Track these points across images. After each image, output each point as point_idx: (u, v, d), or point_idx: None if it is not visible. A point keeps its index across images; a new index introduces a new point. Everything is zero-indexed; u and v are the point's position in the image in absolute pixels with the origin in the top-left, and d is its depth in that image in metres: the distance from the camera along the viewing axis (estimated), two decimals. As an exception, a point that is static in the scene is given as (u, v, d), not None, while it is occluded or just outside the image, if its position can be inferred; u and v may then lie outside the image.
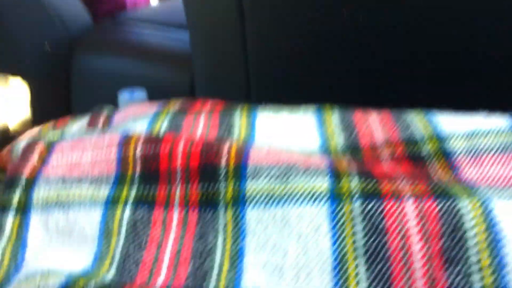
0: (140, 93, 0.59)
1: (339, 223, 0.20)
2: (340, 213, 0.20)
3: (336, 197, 0.21)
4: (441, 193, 0.20)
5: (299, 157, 0.23)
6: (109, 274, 0.21)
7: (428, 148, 0.24)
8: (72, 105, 0.78)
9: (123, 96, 0.58)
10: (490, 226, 0.18)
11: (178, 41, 0.70)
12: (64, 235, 0.24)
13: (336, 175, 0.22)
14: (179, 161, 0.24)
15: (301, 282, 0.19)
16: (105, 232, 0.23)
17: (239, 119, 0.29)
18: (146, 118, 0.30)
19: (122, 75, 0.69)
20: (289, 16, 0.41)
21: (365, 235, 0.20)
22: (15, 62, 0.77)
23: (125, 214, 0.23)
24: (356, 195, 0.21)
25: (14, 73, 0.74)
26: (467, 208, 0.19)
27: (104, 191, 0.25)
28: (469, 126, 0.24)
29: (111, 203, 0.24)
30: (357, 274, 0.19)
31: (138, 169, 0.24)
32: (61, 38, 0.78)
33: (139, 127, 0.29)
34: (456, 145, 0.24)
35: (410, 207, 0.20)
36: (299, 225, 0.20)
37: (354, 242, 0.20)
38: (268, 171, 0.22)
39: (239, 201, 0.22)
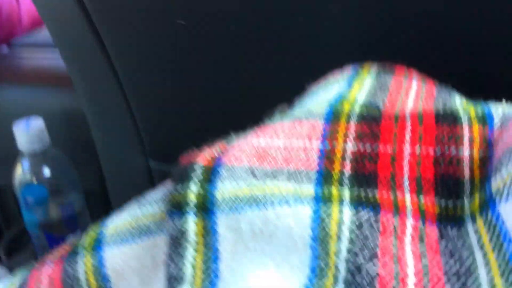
0: (37, 122, 0.57)
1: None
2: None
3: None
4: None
5: None
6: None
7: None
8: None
9: (18, 126, 0.55)
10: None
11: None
12: (263, 242, 0.18)
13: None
14: (406, 168, 0.19)
15: None
16: (321, 235, 0.17)
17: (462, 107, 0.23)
18: (341, 81, 0.25)
19: (18, 104, 0.65)
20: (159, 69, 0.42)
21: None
22: None
23: (344, 214, 0.18)
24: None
25: None
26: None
27: (308, 188, 0.19)
28: None
29: (323, 200, 0.18)
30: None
31: (348, 168, 0.20)
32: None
33: (334, 91, 0.24)
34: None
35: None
36: None
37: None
38: None
39: (487, 212, 0.17)
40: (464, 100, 0.23)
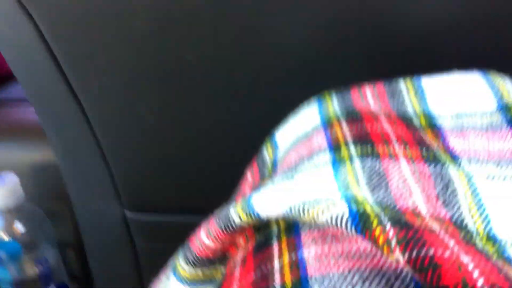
0: (11, 177, 0.56)
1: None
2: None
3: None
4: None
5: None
6: (368, 198, 0.20)
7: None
8: None
9: (-8, 182, 0.55)
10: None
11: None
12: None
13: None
14: (391, 134, 0.25)
15: None
16: (342, 178, 0.22)
17: (405, 88, 0.30)
18: (312, 105, 0.31)
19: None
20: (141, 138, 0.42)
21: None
22: None
23: (355, 164, 0.23)
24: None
25: None
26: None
27: (325, 156, 0.25)
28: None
29: (338, 160, 0.24)
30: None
31: (349, 138, 0.25)
32: None
33: (314, 110, 0.30)
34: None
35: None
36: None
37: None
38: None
39: (455, 160, 0.23)
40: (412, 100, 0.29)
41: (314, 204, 0.19)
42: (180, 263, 0.25)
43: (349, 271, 0.18)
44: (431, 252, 0.16)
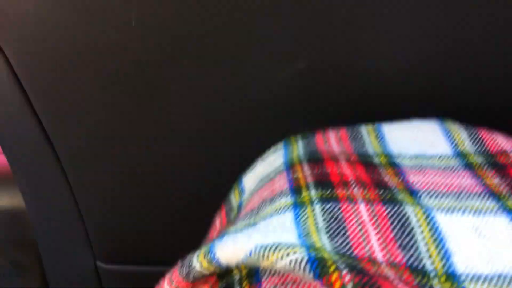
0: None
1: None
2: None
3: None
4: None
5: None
6: (326, 245, 0.21)
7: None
8: None
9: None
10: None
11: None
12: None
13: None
14: (351, 177, 0.26)
15: None
16: (302, 223, 0.23)
17: (366, 133, 0.31)
18: (279, 148, 0.32)
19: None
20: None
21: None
22: None
23: (316, 209, 0.24)
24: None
25: None
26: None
27: (287, 199, 0.25)
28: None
29: (299, 204, 0.24)
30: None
31: (310, 179, 0.26)
32: None
33: (279, 154, 0.31)
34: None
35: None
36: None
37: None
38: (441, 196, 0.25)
39: (420, 204, 0.24)
40: (373, 141, 0.31)
41: (274, 249, 0.20)
42: None
43: None
44: None
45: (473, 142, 0.29)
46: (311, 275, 0.18)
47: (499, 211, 0.22)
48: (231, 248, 0.21)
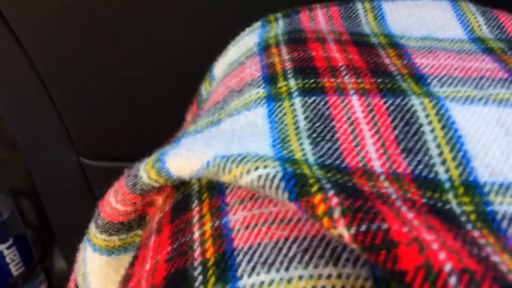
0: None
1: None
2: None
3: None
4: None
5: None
6: (308, 154, 0.16)
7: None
8: None
9: None
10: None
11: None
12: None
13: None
14: (340, 62, 0.20)
15: None
16: (278, 123, 0.18)
17: (363, 10, 0.26)
18: (256, 28, 0.26)
19: None
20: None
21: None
22: None
23: (296, 103, 0.19)
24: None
25: None
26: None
27: (259, 91, 0.20)
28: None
29: (274, 97, 0.19)
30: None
31: (288, 65, 0.21)
32: None
33: (255, 34, 0.25)
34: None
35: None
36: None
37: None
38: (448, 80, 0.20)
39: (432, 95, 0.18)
40: (370, 18, 0.25)
41: (238, 161, 0.15)
42: (93, 230, 0.21)
43: (285, 240, 0.15)
44: (385, 226, 0.12)
45: (492, 27, 0.24)
46: (286, 195, 0.14)
47: None
48: (184, 156, 0.17)
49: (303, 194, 0.13)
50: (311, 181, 0.14)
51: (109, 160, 0.47)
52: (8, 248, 0.59)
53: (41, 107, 0.44)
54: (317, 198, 0.13)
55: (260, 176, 0.14)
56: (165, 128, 0.43)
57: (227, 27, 0.30)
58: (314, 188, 0.13)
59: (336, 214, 0.13)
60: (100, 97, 0.42)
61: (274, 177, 0.14)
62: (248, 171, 0.15)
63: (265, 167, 0.14)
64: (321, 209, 0.13)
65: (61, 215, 0.55)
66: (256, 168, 0.15)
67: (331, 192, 0.13)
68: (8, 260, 0.60)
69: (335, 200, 0.13)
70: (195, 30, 0.37)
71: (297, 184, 0.14)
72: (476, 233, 0.13)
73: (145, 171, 0.18)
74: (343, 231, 0.12)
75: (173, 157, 0.17)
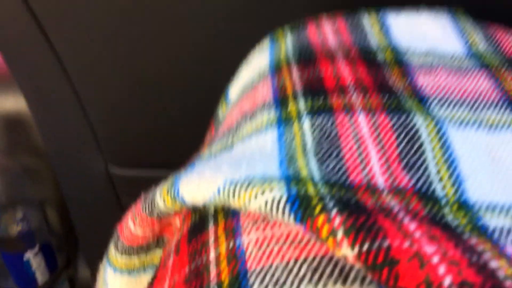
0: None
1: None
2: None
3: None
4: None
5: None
6: (314, 172, 0.17)
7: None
8: None
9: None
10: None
11: None
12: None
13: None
14: (349, 80, 0.21)
15: None
16: (286, 144, 0.19)
17: (369, 23, 0.26)
18: (265, 46, 0.27)
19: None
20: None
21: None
22: None
23: (304, 124, 0.19)
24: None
25: None
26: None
27: (270, 114, 0.21)
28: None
29: (284, 120, 0.20)
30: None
31: (298, 86, 0.22)
32: None
33: (265, 53, 0.26)
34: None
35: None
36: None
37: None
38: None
39: (426, 109, 0.20)
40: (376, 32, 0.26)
41: (246, 186, 0.16)
42: (113, 252, 0.22)
43: (296, 261, 0.15)
44: (386, 243, 0.13)
45: (490, 43, 0.25)
46: (292, 218, 0.14)
47: None
48: (195, 182, 0.17)
49: (307, 215, 0.14)
50: (314, 202, 0.14)
51: (136, 167, 0.47)
52: (34, 256, 0.60)
53: (71, 115, 0.44)
54: (321, 219, 0.14)
55: (266, 202, 0.15)
56: (192, 134, 0.43)
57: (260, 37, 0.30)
58: (318, 209, 0.14)
59: (340, 234, 0.13)
60: (131, 103, 0.42)
61: (279, 201, 0.15)
62: (256, 196, 0.15)
63: (271, 190, 0.15)
64: (325, 230, 0.13)
65: (87, 223, 0.56)
66: (263, 192, 0.15)
67: (334, 211, 0.14)
68: (34, 267, 0.60)
69: (338, 220, 0.13)
70: (229, 39, 0.38)
71: (301, 206, 0.14)
72: (474, 241, 0.14)
73: (161, 198, 0.19)
74: (347, 252, 0.13)
75: (186, 183, 0.18)
